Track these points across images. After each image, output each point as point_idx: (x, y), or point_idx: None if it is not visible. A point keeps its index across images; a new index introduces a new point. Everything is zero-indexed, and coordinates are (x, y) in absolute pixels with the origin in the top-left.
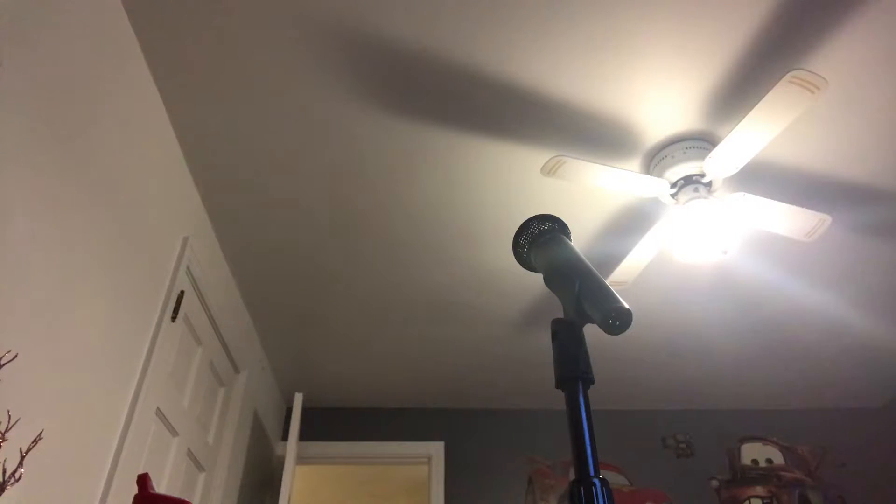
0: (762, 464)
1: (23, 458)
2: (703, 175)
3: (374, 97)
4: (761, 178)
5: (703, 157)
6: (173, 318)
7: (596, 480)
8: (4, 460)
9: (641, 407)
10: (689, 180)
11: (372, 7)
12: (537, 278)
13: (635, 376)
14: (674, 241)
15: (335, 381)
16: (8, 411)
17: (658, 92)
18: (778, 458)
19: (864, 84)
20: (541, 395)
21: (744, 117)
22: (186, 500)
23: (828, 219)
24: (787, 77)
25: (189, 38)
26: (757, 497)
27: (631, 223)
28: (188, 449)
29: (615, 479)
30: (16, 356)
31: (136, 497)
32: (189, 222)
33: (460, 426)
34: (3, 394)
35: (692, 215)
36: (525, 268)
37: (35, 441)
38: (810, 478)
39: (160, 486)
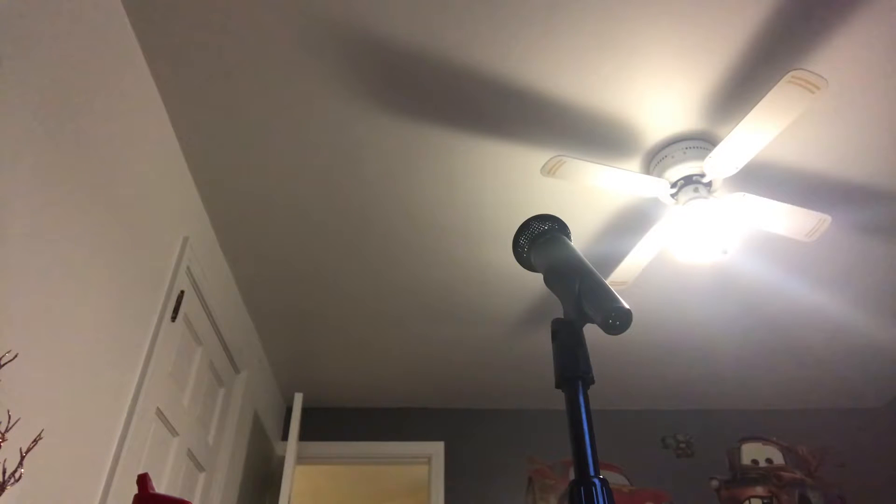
0: (762, 464)
1: (23, 458)
2: (703, 175)
3: (374, 97)
4: (761, 178)
5: (703, 157)
6: (173, 318)
7: (596, 480)
8: (4, 460)
9: (641, 407)
10: (689, 180)
11: (372, 7)
12: (537, 278)
13: (636, 376)
14: (674, 241)
15: (335, 381)
16: (8, 411)
17: (658, 92)
18: (778, 458)
19: (864, 84)
20: (541, 395)
21: (744, 117)
22: (186, 500)
23: (828, 219)
24: (787, 77)
25: (189, 38)
26: (757, 497)
27: (631, 223)
28: (188, 449)
29: (615, 479)
30: (16, 356)
31: (135, 497)
32: (189, 222)
33: (460, 426)
34: (3, 394)
35: (692, 215)
36: (525, 268)
37: (35, 441)
38: (810, 478)
39: (160, 486)
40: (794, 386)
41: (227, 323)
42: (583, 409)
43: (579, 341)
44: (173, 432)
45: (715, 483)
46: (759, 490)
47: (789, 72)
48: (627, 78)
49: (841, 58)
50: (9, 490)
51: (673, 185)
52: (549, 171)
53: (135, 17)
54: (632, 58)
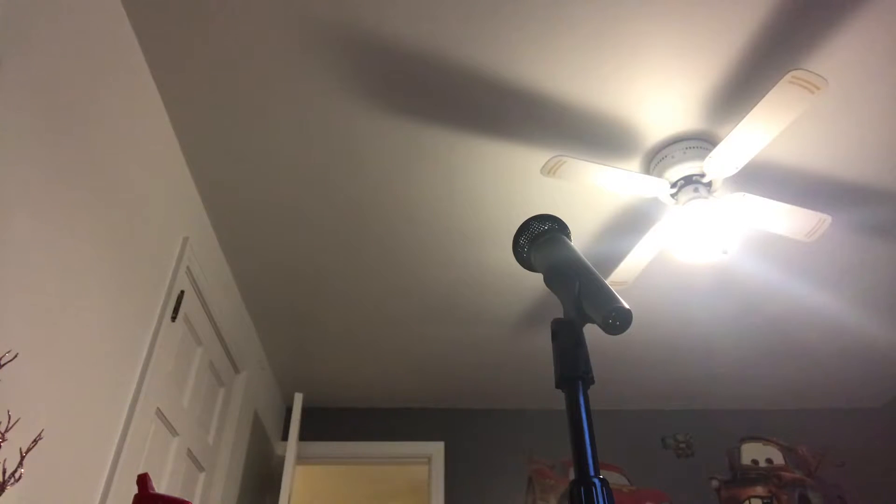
0: (762, 464)
1: (23, 458)
2: (703, 175)
3: (374, 97)
4: (761, 178)
5: (703, 157)
6: (173, 318)
7: (596, 480)
8: (4, 460)
9: (641, 407)
10: (689, 180)
11: (372, 7)
12: (537, 278)
13: (635, 376)
14: (674, 241)
15: (335, 381)
16: (8, 411)
17: (658, 92)
18: (778, 458)
19: (864, 84)
20: (541, 395)
21: (744, 117)
22: (186, 500)
23: (828, 219)
24: (787, 77)
25: (189, 38)
26: (757, 497)
27: (631, 223)
28: (188, 449)
29: (615, 479)
30: (16, 356)
31: (136, 497)
32: (189, 222)
33: (460, 426)
34: (3, 394)
35: (692, 215)
36: (525, 268)
37: (35, 441)
38: (810, 478)
39: (160, 486)
40: (794, 386)
41: (227, 323)
42: (583, 409)
43: (579, 341)
44: (173, 432)
45: (715, 483)
46: (759, 490)
47: (789, 72)
48: (628, 78)
49: (841, 58)
50: (9, 490)
51: (673, 185)
52: (549, 171)
53: (135, 17)
54: (632, 57)
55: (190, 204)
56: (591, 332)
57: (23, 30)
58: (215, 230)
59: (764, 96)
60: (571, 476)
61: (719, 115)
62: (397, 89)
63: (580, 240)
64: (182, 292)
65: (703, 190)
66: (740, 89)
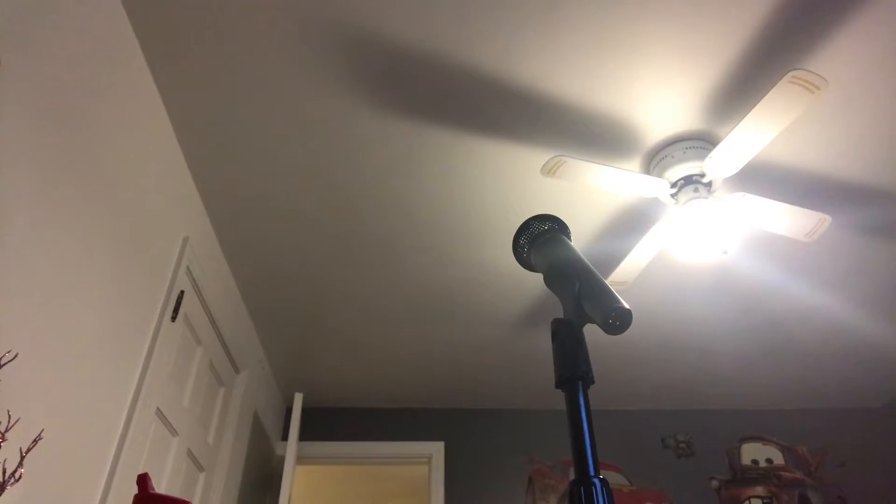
0: (762, 464)
1: (23, 458)
2: (703, 175)
3: (374, 97)
4: (761, 178)
5: (703, 157)
6: (173, 318)
7: (596, 480)
8: (4, 460)
9: (641, 407)
10: (689, 180)
11: (372, 8)
12: (537, 278)
13: (635, 376)
14: (674, 241)
15: (335, 381)
16: (8, 411)
17: (658, 92)
18: (778, 458)
19: (864, 84)
20: (541, 395)
21: (744, 117)
22: (186, 500)
23: (828, 219)
24: (787, 77)
25: (189, 38)
26: (757, 497)
27: (631, 223)
28: (188, 449)
29: (615, 479)
30: (16, 356)
31: (136, 497)
32: (189, 222)
33: (460, 426)
34: (3, 394)
35: (692, 215)
36: (525, 268)
37: (35, 441)
38: (810, 478)
39: (160, 486)
40: (794, 386)
41: (227, 323)
42: (583, 409)
43: (579, 341)
44: (173, 432)
45: (715, 483)
46: (759, 490)
47: (789, 72)
48: (628, 78)
49: (841, 57)
50: (9, 490)
51: (673, 185)
52: (549, 171)
53: (135, 17)
54: (632, 57)
55: (190, 204)
56: (591, 332)
57: (23, 30)
58: (215, 230)
59: (764, 96)
60: (571, 476)
61: (719, 115)
62: (398, 89)
63: (580, 240)
64: (182, 292)
65: (703, 190)
66: (740, 89)
